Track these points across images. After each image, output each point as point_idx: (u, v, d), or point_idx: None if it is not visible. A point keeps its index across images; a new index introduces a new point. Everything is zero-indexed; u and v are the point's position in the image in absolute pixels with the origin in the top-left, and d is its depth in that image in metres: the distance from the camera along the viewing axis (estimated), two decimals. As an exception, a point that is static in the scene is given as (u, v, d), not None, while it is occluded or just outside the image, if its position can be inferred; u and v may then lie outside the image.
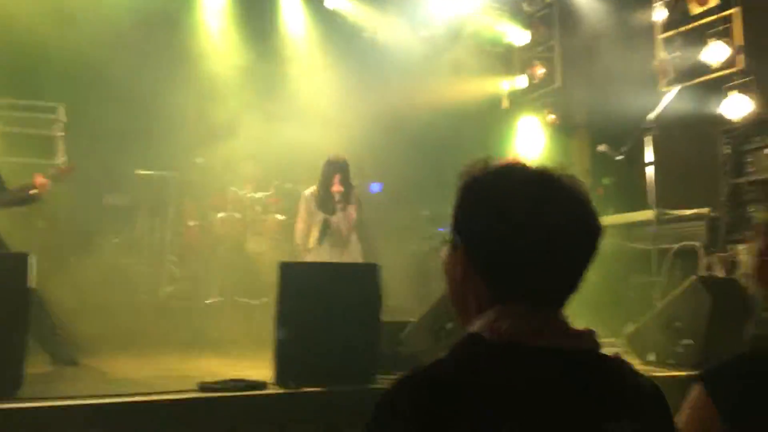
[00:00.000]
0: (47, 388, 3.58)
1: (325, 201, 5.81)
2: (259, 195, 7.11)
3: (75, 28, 6.38)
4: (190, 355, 5.24)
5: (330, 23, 8.25)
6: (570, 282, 1.19)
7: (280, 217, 7.15)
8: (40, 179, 4.61)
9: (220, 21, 7.85)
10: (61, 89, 6.70)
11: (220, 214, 6.92)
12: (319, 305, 3.51)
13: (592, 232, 1.20)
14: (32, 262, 3.02)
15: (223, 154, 7.20)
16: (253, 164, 7.32)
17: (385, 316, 3.86)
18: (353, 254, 5.77)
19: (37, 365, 4.16)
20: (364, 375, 3.57)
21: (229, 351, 5.54)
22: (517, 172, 1.19)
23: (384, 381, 3.63)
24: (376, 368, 3.66)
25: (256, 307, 6.51)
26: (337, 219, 5.79)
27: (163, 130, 6.94)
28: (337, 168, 5.83)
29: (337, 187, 5.74)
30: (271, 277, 6.42)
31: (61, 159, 6.45)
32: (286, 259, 6.79)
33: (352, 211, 5.85)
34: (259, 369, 3.82)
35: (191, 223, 7.05)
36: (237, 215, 6.95)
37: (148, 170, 6.98)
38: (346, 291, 3.61)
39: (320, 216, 5.82)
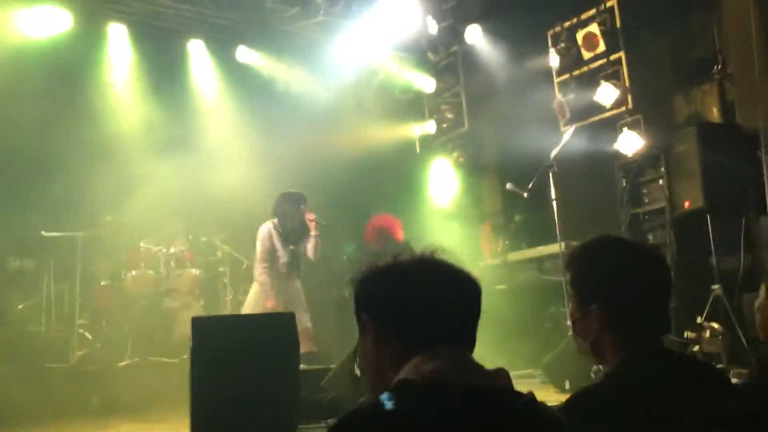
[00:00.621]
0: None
1: (291, 233, 5.99)
2: (173, 250, 6.97)
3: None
4: (106, 421, 5.02)
5: (241, 76, 8.29)
6: (468, 330, 1.36)
7: (195, 271, 7.02)
8: None
9: (126, 75, 7.71)
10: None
11: (133, 272, 6.73)
12: (236, 358, 3.47)
13: (474, 289, 1.39)
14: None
15: (134, 210, 7.03)
16: (166, 219, 7.19)
17: (309, 364, 3.85)
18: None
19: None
20: (286, 426, 3.53)
21: (147, 414, 5.35)
22: (402, 260, 1.41)
23: (306, 430, 3.61)
24: (298, 418, 3.63)
25: (174, 365, 6.32)
26: (305, 248, 6.03)
27: (70, 189, 6.74)
28: (300, 198, 6.09)
29: (311, 215, 5.97)
30: (186, 334, 6.34)
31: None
32: (204, 314, 6.71)
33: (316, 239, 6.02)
34: (178, 430, 3.72)
35: (103, 283, 6.82)
36: (150, 272, 6.77)
37: (55, 231, 6.72)
38: (262, 342, 3.59)
39: (284, 250, 5.95)
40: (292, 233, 5.98)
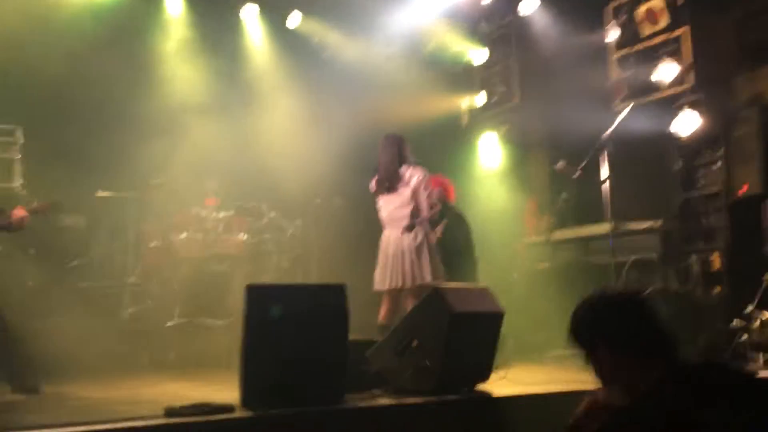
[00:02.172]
0: (10, 418, 3.52)
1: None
2: (221, 215, 7.07)
3: (32, 49, 6.32)
4: (154, 378, 5.18)
5: (293, 42, 8.30)
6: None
7: (242, 236, 7.11)
8: (19, 212, 4.55)
9: (181, 39, 7.81)
10: (19, 111, 6.59)
11: (182, 235, 6.86)
12: (287, 327, 3.52)
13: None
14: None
15: (185, 174, 7.14)
16: (215, 184, 7.29)
17: (351, 335, 3.89)
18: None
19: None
20: (333, 395, 3.59)
21: (193, 373, 5.50)
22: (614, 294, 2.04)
23: (352, 399, 3.66)
24: (345, 388, 3.68)
25: (219, 328, 6.47)
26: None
27: (123, 151, 6.87)
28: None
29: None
30: (233, 298, 6.46)
31: (18, 182, 6.33)
32: (249, 279, 6.81)
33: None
34: (225, 392, 3.82)
35: (152, 245, 6.96)
36: (199, 235, 6.89)
37: (108, 192, 6.88)
38: (313, 311, 3.63)
39: None
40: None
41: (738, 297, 5.76)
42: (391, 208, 5.40)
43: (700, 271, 6.43)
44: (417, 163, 5.54)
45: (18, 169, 6.34)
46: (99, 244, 7.12)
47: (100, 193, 6.83)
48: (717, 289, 6.29)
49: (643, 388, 1.67)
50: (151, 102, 7.19)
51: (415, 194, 5.31)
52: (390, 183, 5.38)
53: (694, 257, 6.52)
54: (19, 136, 6.41)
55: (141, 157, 6.96)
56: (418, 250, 5.23)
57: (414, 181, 5.31)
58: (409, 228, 5.27)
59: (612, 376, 1.86)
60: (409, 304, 4.93)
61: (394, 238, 5.33)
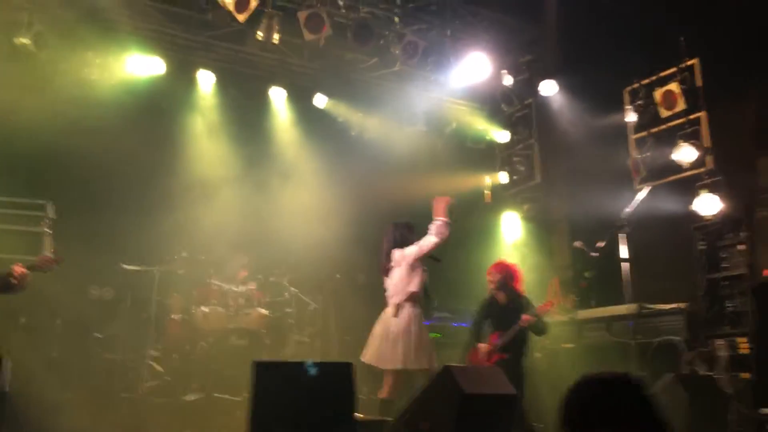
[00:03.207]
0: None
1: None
2: (243, 289, 7.16)
3: (65, 125, 6.57)
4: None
5: (318, 123, 8.58)
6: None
7: (263, 311, 7.17)
8: (18, 269, 4.59)
9: (209, 117, 8.14)
10: (49, 186, 6.87)
11: (204, 308, 6.95)
12: (294, 405, 3.52)
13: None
14: (7, 366, 3.05)
15: (208, 248, 7.30)
16: (245, 257, 7.43)
17: (368, 413, 3.86)
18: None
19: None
20: (339, 477, 3.54)
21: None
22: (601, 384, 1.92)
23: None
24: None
25: (237, 403, 6.43)
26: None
27: (149, 225, 7.07)
28: (411, 227, 5.66)
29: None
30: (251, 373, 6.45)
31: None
32: (268, 354, 6.83)
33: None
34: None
35: (175, 317, 7.06)
36: (220, 309, 6.97)
37: (134, 265, 7.05)
38: (320, 390, 3.63)
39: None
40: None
41: (766, 383, 5.57)
42: (390, 289, 5.45)
43: (727, 355, 6.25)
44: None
45: (48, 243, 6.53)
46: (123, 316, 7.22)
47: (126, 266, 6.99)
48: (745, 375, 6.09)
49: None
50: (179, 177, 7.46)
51: (408, 265, 5.33)
52: (385, 267, 5.45)
53: (720, 342, 6.36)
54: (50, 211, 6.64)
55: (166, 231, 7.15)
56: (405, 331, 5.19)
57: (406, 254, 5.36)
58: (397, 308, 5.26)
59: None
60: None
61: (385, 317, 5.35)
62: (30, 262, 4.77)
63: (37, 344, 6.23)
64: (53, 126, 6.51)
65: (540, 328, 6.36)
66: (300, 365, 3.60)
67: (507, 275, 6.40)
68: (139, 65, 7.44)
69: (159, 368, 6.79)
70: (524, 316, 6.11)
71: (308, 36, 7.00)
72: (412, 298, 5.27)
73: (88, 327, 6.87)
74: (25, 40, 6.59)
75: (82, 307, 6.86)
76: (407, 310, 5.22)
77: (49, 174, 6.96)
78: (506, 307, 6.36)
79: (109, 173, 7.14)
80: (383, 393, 5.14)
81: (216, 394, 6.51)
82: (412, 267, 5.31)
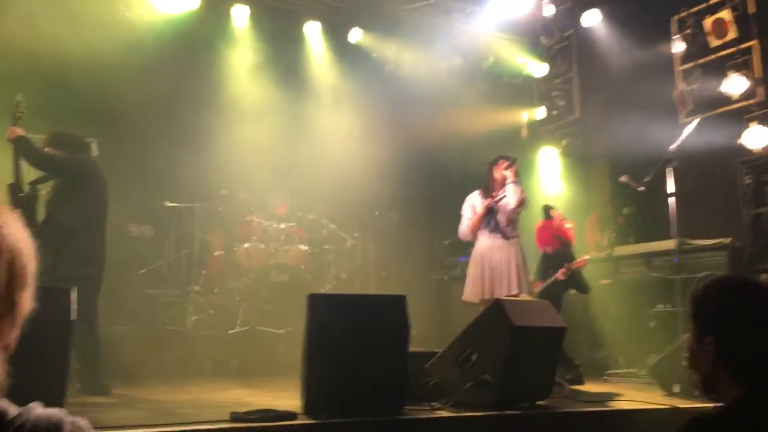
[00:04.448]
0: (82, 417, 3.67)
1: (488, 190, 5.61)
2: (283, 225, 7.22)
3: (102, 64, 6.55)
4: (217, 384, 5.31)
5: (353, 57, 8.44)
6: None
7: (303, 247, 7.25)
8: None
9: (245, 52, 8.05)
10: (90, 124, 6.89)
11: (245, 245, 7.03)
12: (348, 336, 3.57)
13: None
14: (74, 296, 3.13)
15: (248, 185, 7.33)
16: (284, 193, 7.47)
17: (410, 346, 3.91)
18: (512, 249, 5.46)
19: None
20: (393, 406, 3.61)
21: (255, 380, 5.61)
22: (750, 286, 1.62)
23: (411, 411, 3.68)
24: (405, 399, 3.70)
25: (280, 336, 6.59)
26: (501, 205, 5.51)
27: (189, 163, 7.10)
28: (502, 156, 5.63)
29: (500, 174, 5.55)
30: (293, 307, 6.58)
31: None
32: (309, 289, 6.93)
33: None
34: (287, 399, 3.89)
35: (217, 254, 7.17)
36: (261, 245, 7.05)
37: (175, 202, 7.12)
38: (374, 322, 3.67)
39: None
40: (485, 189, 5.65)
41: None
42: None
43: (772, 290, 6.19)
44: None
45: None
46: (166, 253, 7.35)
47: (168, 204, 7.06)
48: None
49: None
50: (216, 113, 7.43)
51: None
52: None
53: (765, 276, 6.29)
54: (95, 149, 6.67)
55: (206, 168, 7.19)
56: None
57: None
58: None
59: (705, 381, 1.58)
60: None
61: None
62: None
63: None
64: (88, 65, 6.48)
65: (579, 284, 6.41)
66: (353, 297, 3.62)
67: (561, 237, 6.46)
68: (171, 1, 7.32)
69: (203, 302, 6.94)
70: (561, 270, 6.18)
71: (345, -32, 6.80)
72: None
73: (131, 263, 7.01)
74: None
75: (125, 245, 6.99)
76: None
77: (86, 113, 6.97)
78: (549, 256, 6.43)
79: (146, 111, 7.14)
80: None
81: (260, 327, 6.65)
82: None
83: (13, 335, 1.01)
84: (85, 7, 6.78)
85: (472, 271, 5.52)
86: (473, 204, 5.60)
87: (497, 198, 5.50)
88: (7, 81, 6.36)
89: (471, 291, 5.47)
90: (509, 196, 5.46)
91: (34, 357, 2.90)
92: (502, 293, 5.24)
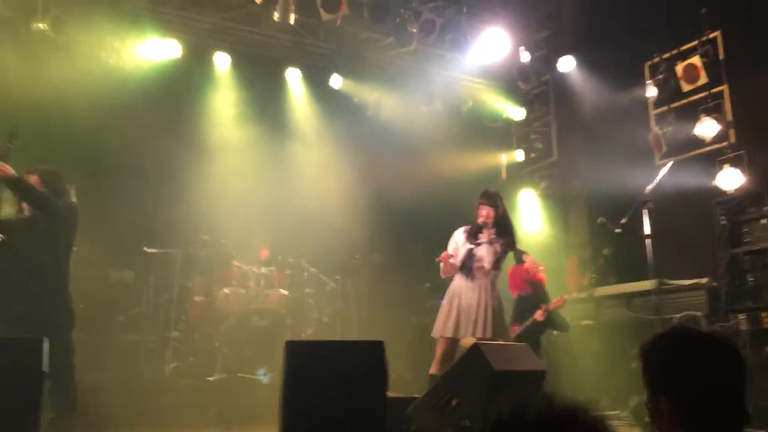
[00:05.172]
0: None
1: (473, 232, 5.40)
2: (263, 270, 7.20)
3: (83, 109, 6.56)
4: (195, 433, 5.22)
5: (334, 102, 8.56)
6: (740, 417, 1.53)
7: (283, 291, 7.22)
8: None
9: (226, 99, 8.14)
10: (69, 169, 6.88)
11: (225, 290, 6.99)
12: (326, 384, 3.54)
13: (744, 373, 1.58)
14: (46, 347, 3.09)
15: (228, 230, 7.33)
16: (257, 240, 7.45)
17: (389, 391, 3.88)
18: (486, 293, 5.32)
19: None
20: (371, 454, 3.57)
21: (234, 429, 5.52)
22: (693, 337, 1.61)
23: (390, 459, 3.63)
24: (383, 446, 3.66)
25: (260, 383, 6.50)
26: (480, 251, 5.34)
27: (170, 207, 7.10)
28: (484, 198, 5.44)
29: (482, 218, 5.36)
30: (273, 353, 6.51)
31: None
32: (290, 333, 6.88)
33: (497, 246, 5.35)
34: (265, 449, 3.84)
35: (197, 299, 7.12)
36: (241, 290, 7.02)
37: (155, 248, 7.08)
38: (352, 369, 3.64)
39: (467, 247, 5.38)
40: (471, 233, 5.41)
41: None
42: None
43: (748, 330, 6.24)
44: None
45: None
46: (145, 298, 7.27)
47: (147, 249, 7.02)
48: (767, 349, 6.08)
49: None
50: (198, 160, 7.46)
51: None
52: None
53: (741, 316, 6.34)
54: (72, 194, 6.65)
55: (186, 213, 7.18)
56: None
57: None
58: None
59: None
60: None
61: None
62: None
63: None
64: (71, 110, 6.51)
65: (557, 324, 6.43)
66: (331, 344, 3.60)
67: (533, 280, 6.52)
68: (155, 48, 7.43)
69: (182, 349, 6.85)
70: (539, 311, 6.22)
71: (325, 16, 6.95)
72: None
73: (111, 310, 6.93)
74: (42, 25, 6.59)
75: (104, 290, 6.92)
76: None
77: (66, 157, 6.97)
78: (523, 299, 6.47)
79: (127, 157, 7.15)
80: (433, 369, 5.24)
81: (240, 374, 6.57)
82: None
83: None
84: (70, 53, 6.86)
85: (443, 307, 5.46)
86: (457, 240, 5.56)
87: (475, 244, 5.43)
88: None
89: (436, 327, 5.38)
90: (484, 259, 5.31)
91: (4, 410, 2.87)
92: (468, 334, 5.20)
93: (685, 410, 1.53)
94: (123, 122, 6.87)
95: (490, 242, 5.35)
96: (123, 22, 7.09)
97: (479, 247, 5.35)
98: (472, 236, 5.43)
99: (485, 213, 5.35)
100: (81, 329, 6.49)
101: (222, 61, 7.95)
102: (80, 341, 6.35)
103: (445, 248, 5.52)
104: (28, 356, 3.01)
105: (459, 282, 5.38)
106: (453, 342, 5.22)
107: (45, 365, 3.12)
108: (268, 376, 6.59)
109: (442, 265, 5.36)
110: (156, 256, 7.09)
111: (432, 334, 5.43)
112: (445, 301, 5.43)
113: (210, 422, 6.01)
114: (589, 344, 7.15)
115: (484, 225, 5.35)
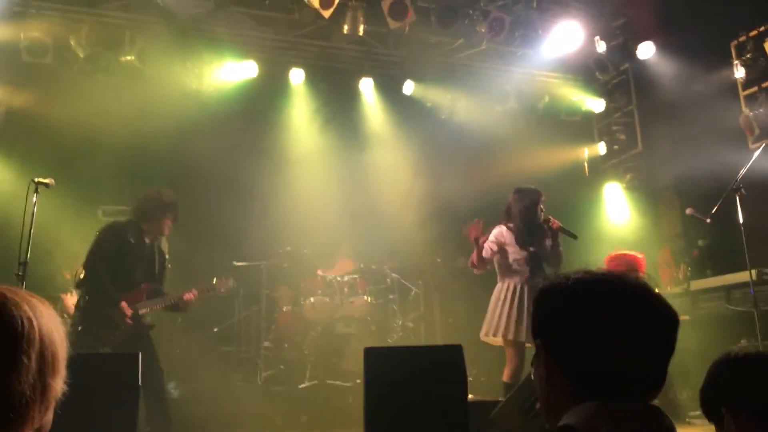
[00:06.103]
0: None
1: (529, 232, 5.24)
2: (346, 278, 7.33)
3: (167, 131, 6.93)
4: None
5: (408, 108, 8.61)
6: (655, 376, 1.22)
7: (367, 298, 7.31)
8: (191, 294, 5.04)
9: (304, 112, 8.37)
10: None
11: (311, 299, 7.16)
12: (406, 389, 3.58)
13: (671, 323, 1.24)
14: (140, 360, 3.29)
15: (311, 240, 7.51)
16: (348, 247, 7.60)
17: (473, 395, 3.87)
18: None
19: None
20: (454, 457, 3.57)
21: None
22: (593, 280, 1.25)
23: (475, 463, 3.62)
24: (466, 450, 3.65)
25: (348, 389, 6.60)
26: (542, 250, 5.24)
27: (255, 223, 7.36)
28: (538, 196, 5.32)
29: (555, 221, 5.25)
30: (360, 359, 6.60)
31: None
32: (375, 340, 6.96)
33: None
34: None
35: (285, 308, 7.33)
36: (326, 299, 7.17)
37: (243, 261, 7.36)
38: (431, 373, 3.67)
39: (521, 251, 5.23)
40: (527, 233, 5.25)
41: None
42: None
43: None
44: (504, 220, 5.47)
45: (164, 244, 6.92)
46: (237, 310, 7.57)
47: (236, 263, 7.31)
48: None
49: None
50: (278, 172, 7.71)
51: None
52: None
53: None
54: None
55: (270, 226, 7.42)
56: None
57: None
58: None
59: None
60: None
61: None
62: (202, 286, 5.23)
63: (162, 342, 6.64)
64: (158, 136, 6.89)
65: None
66: (410, 350, 3.63)
67: (630, 268, 6.22)
68: (233, 70, 7.75)
69: (274, 358, 7.07)
70: None
71: (393, 24, 7.02)
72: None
73: (206, 322, 7.26)
74: (130, 57, 7.01)
75: (201, 304, 7.24)
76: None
77: (157, 182, 7.36)
78: None
79: (211, 176, 7.47)
80: (506, 376, 5.14)
81: (328, 381, 6.70)
82: None
83: (47, 417, 1.10)
84: (158, 83, 7.26)
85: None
86: (501, 241, 5.38)
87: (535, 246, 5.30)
88: (85, 153, 6.88)
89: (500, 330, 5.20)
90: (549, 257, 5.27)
91: (101, 424, 3.06)
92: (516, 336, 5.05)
93: (568, 363, 1.23)
94: (206, 143, 7.17)
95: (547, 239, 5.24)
96: (202, 48, 7.44)
97: (542, 247, 5.26)
98: (530, 235, 5.29)
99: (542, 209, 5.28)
100: (179, 342, 6.92)
101: (296, 76, 8.19)
102: (178, 353, 6.74)
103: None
104: (124, 370, 3.21)
105: (520, 283, 5.30)
106: (521, 345, 5.12)
107: (140, 379, 3.31)
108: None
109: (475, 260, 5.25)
110: (244, 269, 7.36)
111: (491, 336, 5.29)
112: (505, 304, 5.33)
113: (301, 427, 6.17)
114: (688, 340, 6.82)
115: (546, 221, 5.26)
